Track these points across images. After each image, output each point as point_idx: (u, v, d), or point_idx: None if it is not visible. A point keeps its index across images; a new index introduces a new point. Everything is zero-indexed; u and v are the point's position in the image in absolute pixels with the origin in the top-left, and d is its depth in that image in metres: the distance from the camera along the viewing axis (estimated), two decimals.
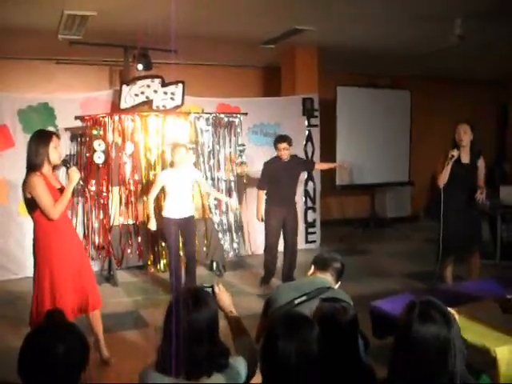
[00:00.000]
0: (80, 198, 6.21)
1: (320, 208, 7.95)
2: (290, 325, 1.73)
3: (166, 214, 5.30)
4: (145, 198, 6.07)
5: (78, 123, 6.19)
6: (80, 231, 6.04)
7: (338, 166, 7.08)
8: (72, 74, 7.80)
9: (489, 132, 10.38)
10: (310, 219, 7.76)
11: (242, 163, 6.82)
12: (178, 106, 6.52)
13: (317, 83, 7.96)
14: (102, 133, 6.02)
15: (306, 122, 7.68)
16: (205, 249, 6.35)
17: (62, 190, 3.51)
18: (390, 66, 8.92)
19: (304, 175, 7.21)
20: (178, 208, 5.26)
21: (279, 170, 5.50)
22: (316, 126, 7.75)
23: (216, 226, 6.67)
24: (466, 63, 8.68)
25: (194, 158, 6.49)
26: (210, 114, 6.70)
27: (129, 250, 6.19)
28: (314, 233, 7.81)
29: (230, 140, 6.87)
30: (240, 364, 1.95)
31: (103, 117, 6.09)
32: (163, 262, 6.29)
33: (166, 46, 6.52)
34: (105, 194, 6.10)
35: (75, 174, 3.49)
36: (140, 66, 6.78)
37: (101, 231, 6.21)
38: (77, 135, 6.32)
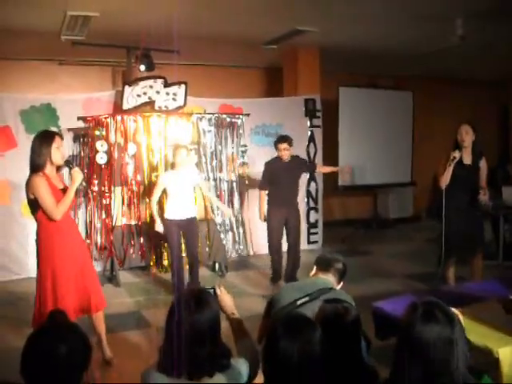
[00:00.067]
0: (82, 199, 6.22)
1: (322, 209, 7.95)
2: (292, 326, 1.73)
3: (167, 215, 5.30)
4: (147, 200, 6.08)
5: (81, 124, 6.21)
6: (82, 232, 6.05)
7: (340, 169, 7.08)
8: (74, 74, 7.81)
9: (491, 133, 10.36)
10: (312, 220, 7.76)
11: (243, 164, 6.82)
12: (180, 107, 6.53)
13: (319, 84, 7.97)
14: (104, 133, 6.04)
15: (308, 123, 7.68)
16: (207, 249, 6.35)
17: (65, 190, 3.51)
18: (390, 66, 8.92)
19: (306, 176, 7.20)
20: (179, 209, 5.27)
21: (280, 170, 5.49)
22: (318, 126, 7.75)
23: (218, 226, 6.68)
24: (467, 63, 8.67)
25: (196, 158, 6.50)
26: (213, 114, 6.70)
27: (131, 251, 6.20)
28: (316, 233, 7.81)
29: (233, 141, 6.87)
30: (242, 365, 1.95)
31: (106, 117, 6.10)
32: (165, 262, 6.30)
33: (168, 47, 6.54)
34: (107, 195, 6.11)
35: (78, 175, 3.50)
36: (142, 67, 6.80)
37: (103, 232, 6.21)
38: (79, 136, 6.35)
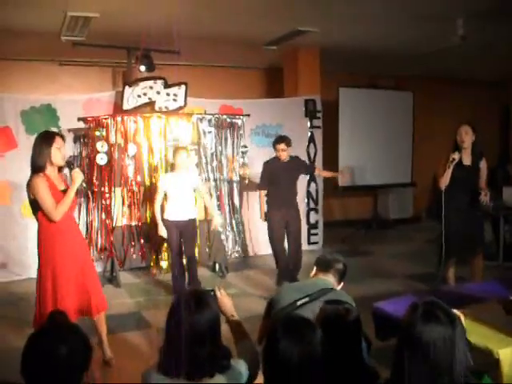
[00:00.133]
0: (83, 199, 6.22)
1: (322, 209, 7.95)
2: (291, 328, 1.73)
3: (167, 216, 5.32)
4: (147, 200, 6.07)
5: (81, 124, 6.20)
6: (82, 232, 6.04)
7: (339, 173, 7.04)
8: (75, 75, 7.82)
9: (491, 133, 10.36)
10: (312, 220, 7.76)
11: (243, 164, 6.82)
12: (180, 108, 6.53)
13: (319, 84, 7.97)
14: (104, 134, 6.04)
15: (309, 124, 7.68)
16: (207, 250, 6.35)
17: (66, 191, 3.50)
18: (390, 67, 8.92)
19: (305, 177, 7.19)
20: (178, 211, 5.28)
21: (278, 170, 5.49)
22: (318, 127, 7.75)
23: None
24: (467, 63, 8.68)
25: (196, 159, 6.50)
26: (213, 115, 6.70)
27: (131, 251, 6.20)
28: (316, 234, 7.81)
29: (233, 141, 6.87)
30: (241, 366, 1.96)
31: (106, 118, 6.10)
32: (166, 263, 6.30)
33: (168, 48, 6.55)
34: (107, 195, 6.11)
35: (78, 176, 3.49)
36: (142, 68, 6.79)
37: (103, 232, 6.21)
38: (79, 136, 6.35)
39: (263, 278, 6.14)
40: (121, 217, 6.19)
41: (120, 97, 6.34)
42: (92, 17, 5.64)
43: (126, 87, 6.31)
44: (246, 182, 6.88)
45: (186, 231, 5.34)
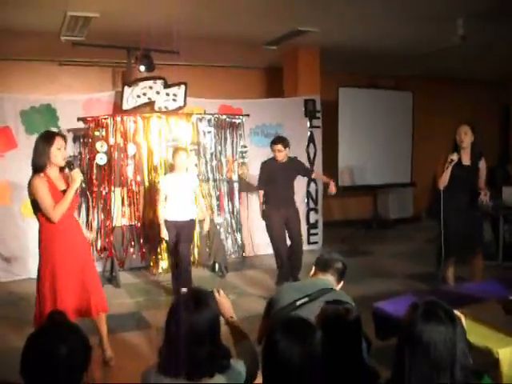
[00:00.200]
0: (82, 199, 6.22)
1: (322, 209, 7.95)
2: (291, 329, 1.73)
3: (166, 216, 5.33)
4: (148, 200, 6.07)
5: (81, 124, 6.20)
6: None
7: (331, 182, 6.51)
8: (74, 75, 7.82)
9: (491, 133, 10.36)
10: (312, 220, 7.76)
11: (242, 164, 6.82)
12: (180, 108, 6.53)
13: (319, 84, 7.97)
14: (104, 134, 6.04)
15: (308, 123, 7.68)
16: (207, 250, 6.35)
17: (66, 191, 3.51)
18: (390, 66, 8.92)
19: (304, 178, 7.14)
20: (178, 212, 5.30)
21: (275, 171, 5.49)
22: (318, 127, 7.75)
23: (218, 226, 6.68)
24: (467, 63, 8.68)
25: (195, 159, 6.50)
26: (212, 115, 6.70)
27: (131, 251, 6.20)
28: (316, 234, 7.80)
29: (232, 141, 6.87)
30: (241, 366, 1.96)
31: (105, 118, 6.10)
32: (165, 263, 6.29)
33: (168, 48, 6.55)
34: (107, 195, 6.11)
35: (77, 176, 3.49)
36: (142, 68, 6.79)
37: (103, 232, 6.21)
38: (79, 136, 6.35)
39: (263, 277, 6.14)
40: (120, 217, 6.19)
41: (120, 97, 6.34)
42: (92, 17, 5.64)
43: (126, 87, 6.31)
44: (246, 178, 6.88)
45: (183, 231, 5.34)
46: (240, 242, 7.04)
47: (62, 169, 3.54)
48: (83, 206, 6.26)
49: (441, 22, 5.99)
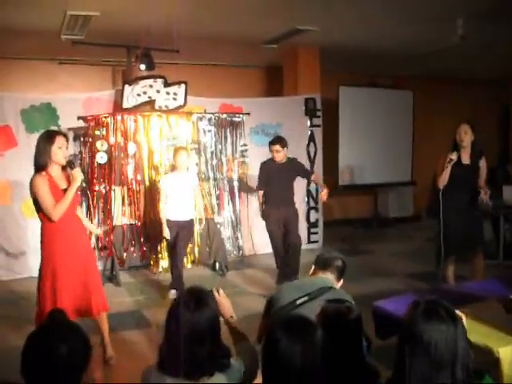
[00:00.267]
0: (83, 198, 6.21)
1: (322, 208, 7.95)
2: (291, 328, 1.72)
3: (167, 216, 5.34)
4: (147, 200, 6.07)
5: (81, 123, 6.20)
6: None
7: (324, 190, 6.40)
8: (74, 74, 7.81)
9: (491, 132, 10.37)
10: (312, 219, 7.76)
11: (242, 163, 6.82)
12: (180, 106, 6.53)
13: (319, 83, 7.97)
14: (104, 133, 6.03)
15: (308, 122, 7.67)
16: (207, 249, 6.35)
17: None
18: (390, 66, 8.92)
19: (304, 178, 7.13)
20: (178, 211, 5.31)
21: (273, 171, 5.49)
22: (318, 126, 7.74)
23: (218, 225, 6.68)
24: (467, 63, 8.68)
25: (196, 158, 6.50)
26: (213, 114, 6.70)
27: (131, 250, 6.20)
28: (316, 233, 7.81)
29: (233, 140, 6.87)
30: (240, 365, 1.96)
31: (106, 117, 6.10)
32: (165, 262, 6.30)
33: (168, 47, 6.54)
34: (107, 194, 6.11)
35: (78, 175, 3.49)
36: (142, 66, 6.79)
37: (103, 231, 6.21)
38: (79, 135, 6.34)
39: (263, 276, 6.14)
40: (121, 216, 6.19)
41: (120, 95, 6.33)
42: (92, 15, 5.64)
43: (126, 86, 6.30)
44: (246, 180, 6.88)
45: (183, 231, 5.35)
46: (240, 241, 7.04)
47: (64, 167, 3.54)
48: (83, 204, 6.27)
49: (441, 22, 5.98)
